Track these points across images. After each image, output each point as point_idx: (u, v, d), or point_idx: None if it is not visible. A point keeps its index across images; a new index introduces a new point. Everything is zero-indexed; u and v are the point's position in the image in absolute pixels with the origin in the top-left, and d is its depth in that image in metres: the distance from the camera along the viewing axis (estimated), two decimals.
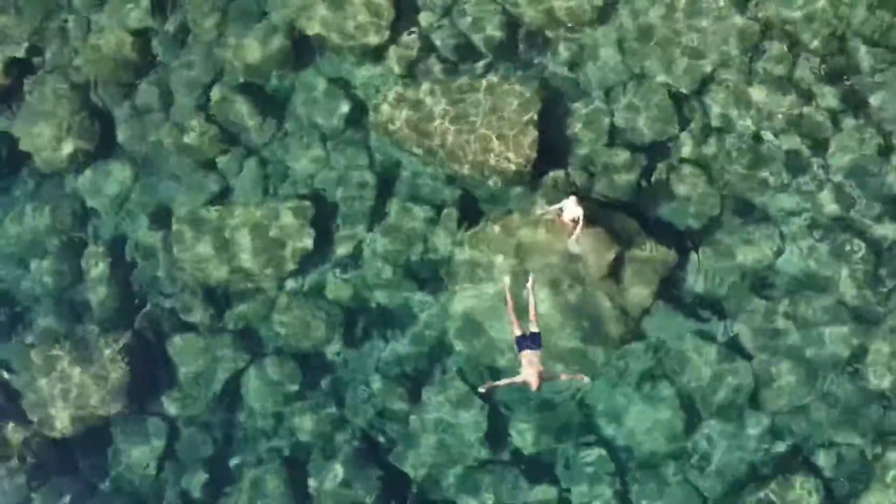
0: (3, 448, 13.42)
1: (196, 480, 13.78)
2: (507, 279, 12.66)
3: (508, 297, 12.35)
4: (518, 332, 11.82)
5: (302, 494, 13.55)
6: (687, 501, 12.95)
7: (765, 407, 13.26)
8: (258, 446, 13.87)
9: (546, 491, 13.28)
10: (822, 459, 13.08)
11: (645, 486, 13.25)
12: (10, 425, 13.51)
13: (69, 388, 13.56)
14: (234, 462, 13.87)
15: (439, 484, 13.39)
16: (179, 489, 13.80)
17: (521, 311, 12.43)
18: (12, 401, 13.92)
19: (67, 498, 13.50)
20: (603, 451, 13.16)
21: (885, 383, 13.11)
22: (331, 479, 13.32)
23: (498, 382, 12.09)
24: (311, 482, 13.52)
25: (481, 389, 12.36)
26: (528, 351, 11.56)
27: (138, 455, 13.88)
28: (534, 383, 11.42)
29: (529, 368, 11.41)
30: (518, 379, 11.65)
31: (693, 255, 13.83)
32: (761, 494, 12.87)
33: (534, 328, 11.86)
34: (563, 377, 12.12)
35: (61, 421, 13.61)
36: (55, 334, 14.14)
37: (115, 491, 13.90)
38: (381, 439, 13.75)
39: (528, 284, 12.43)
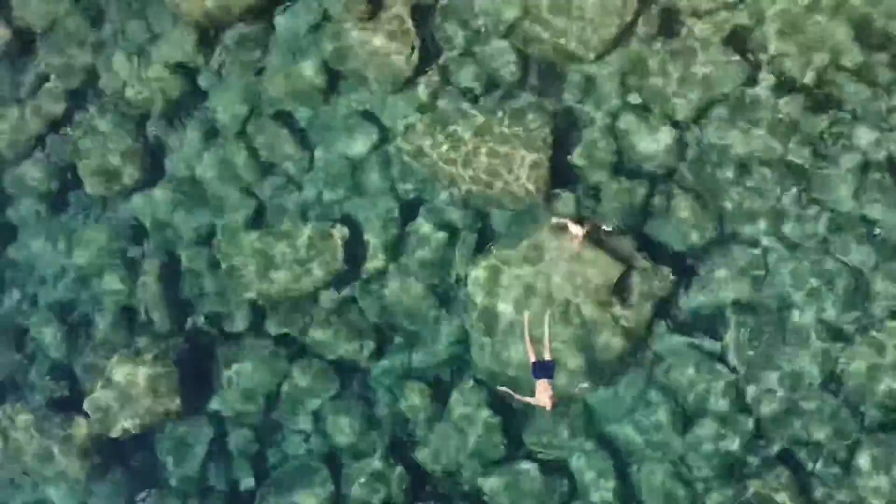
0: (69, 441, 15.00)
1: (241, 474, 15.33)
2: (526, 314, 14.10)
3: (527, 329, 13.74)
4: (534, 359, 13.26)
5: (337, 488, 15.05)
6: (672, 490, 14.39)
7: (751, 412, 14.67)
8: (297, 443, 15.42)
9: (557, 482, 14.74)
10: (803, 457, 14.50)
11: (643, 481, 14.72)
12: (77, 420, 15.10)
13: (126, 391, 15.13)
14: (275, 458, 15.40)
15: (459, 477, 14.89)
16: (226, 481, 15.35)
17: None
18: (77, 401, 15.50)
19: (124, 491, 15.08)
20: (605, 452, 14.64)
21: (857, 394, 14.51)
22: (364, 474, 14.83)
23: (515, 395, 13.55)
24: (346, 477, 15.03)
25: (500, 389, 13.79)
26: (543, 379, 12.96)
27: (186, 452, 15.45)
28: (548, 407, 12.88)
29: (544, 394, 12.88)
30: (533, 400, 13.13)
31: (689, 277, 15.22)
32: (748, 491, 14.31)
33: (547, 356, 13.26)
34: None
35: (118, 421, 15.19)
36: (114, 342, 15.68)
37: (167, 483, 15.48)
38: (407, 438, 15.25)
39: (546, 318, 13.83)
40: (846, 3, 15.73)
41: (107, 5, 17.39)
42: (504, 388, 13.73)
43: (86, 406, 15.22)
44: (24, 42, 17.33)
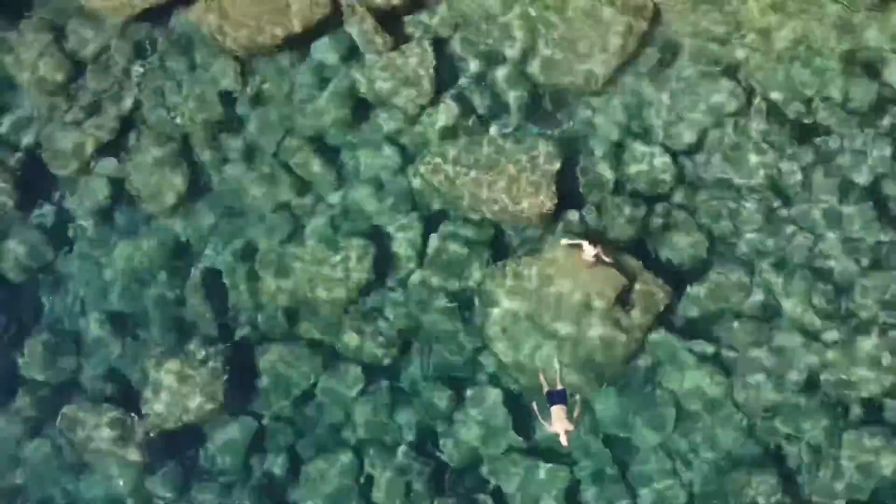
0: (126, 437, 16.70)
1: (278, 464, 16.99)
2: (538, 355, 15.82)
3: (541, 372, 15.47)
4: (547, 389, 14.88)
5: (364, 479, 16.72)
6: (670, 484, 16.05)
7: (742, 410, 16.30)
8: (329, 437, 17.07)
9: (561, 471, 16.38)
10: (788, 451, 16.14)
11: (640, 473, 16.37)
12: (134, 417, 16.80)
13: (177, 391, 16.81)
14: (309, 450, 17.05)
15: (478, 471, 16.56)
16: (264, 471, 17.03)
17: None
18: (131, 400, 17.19)
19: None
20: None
21: (838, 392, 16.15)
22: (390, 466, 16.49)
23: (537, 413, 14.98)
24: (372, 469, 16.69)
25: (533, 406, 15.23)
26: (557, 406, 14.51)
27: (231, 445, 17.12)
28: (562, 438, 14.34)
29: (558, 423, 14.39)
30: (550, 428, 14.61)
31: (687, 289, 16.83)
32: (739, 483, 15.96)
33: (559, 387, 14.86)
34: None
35: (170, 417, 16.87)
36: (164, 346, 17.34)
37: (212, 473, 17.17)
38: (429, 434, 16.90)
39: (555, 364, 15.50)
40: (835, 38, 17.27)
41: (151, 36, 18.93)
42: (534, 406, 15.24)
43: (142, 405, 16.88)
44: (78, 69, 18.86)
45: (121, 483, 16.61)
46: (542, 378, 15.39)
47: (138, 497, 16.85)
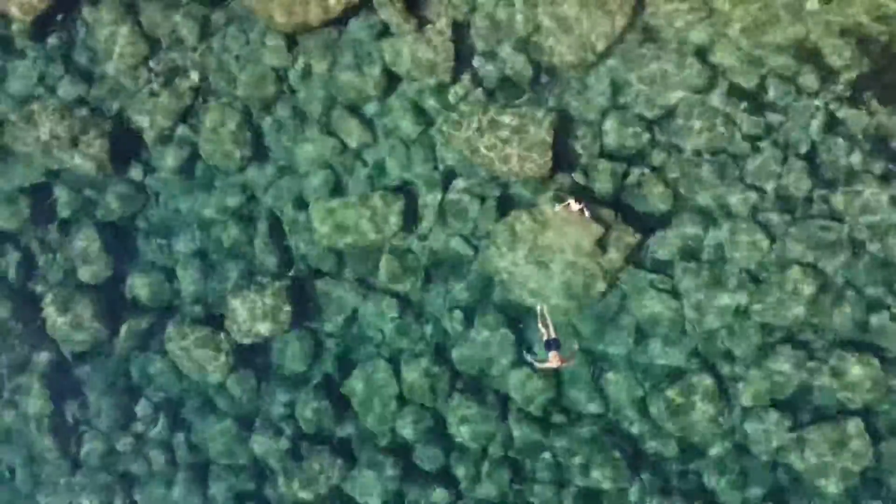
0: (215, 349, 21.63)
1: (332, 369, 21.92)
2: (541, 306, 20.10)
3: (539, 316, 19.82)
4: (545, 338, 19.41)
5: (399, 379, 21.68)
6: (634, 386, 20.97)
7: (691, 333, 20.97)
8: (370, 349, 21.87)
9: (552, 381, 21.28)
10: (722, 368, 20.90)
11: (611, 375, 21.22)
12: (220, 334, 21.70)
13: (252, 313, 21.55)
14: (356, 358, 21.93)
15: (486, 376, 21.50)
16: (322, 375, 22.02)
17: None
18: (216, 322, 22.03)
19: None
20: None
21: (769, 319, 20.69)
22: (418, 369, 21.39)
23: (535, 362, 19.59)
24: (404, 373, 21.60)
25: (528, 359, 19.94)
26: (553, 352, 19.10)
27: (294, 357, 22.04)
28: (556, 365, 19.07)
29: (554, 360, 19.02)
30: (546, 365, 19.23)
31: (654, 234, 21.10)
32: (683, 385, 20.85)
33: (553, 335, 19.38)
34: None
35: (246, 335, 21.72)
36: (239, 278, 21.95)
37: (281, 377, 22.21)
38: (447, 347, 21.74)
39: (545, 311, 19.86)
40: (787, 26, 20.66)
41: (213, 17, 22.42)
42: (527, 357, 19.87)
43: (226, 324, 21.75)
44: (153, 45, 22.51)
45: (210, 384, 21.68)
46: (540, 326, 19.99)
47: (225, 394, 21.96)
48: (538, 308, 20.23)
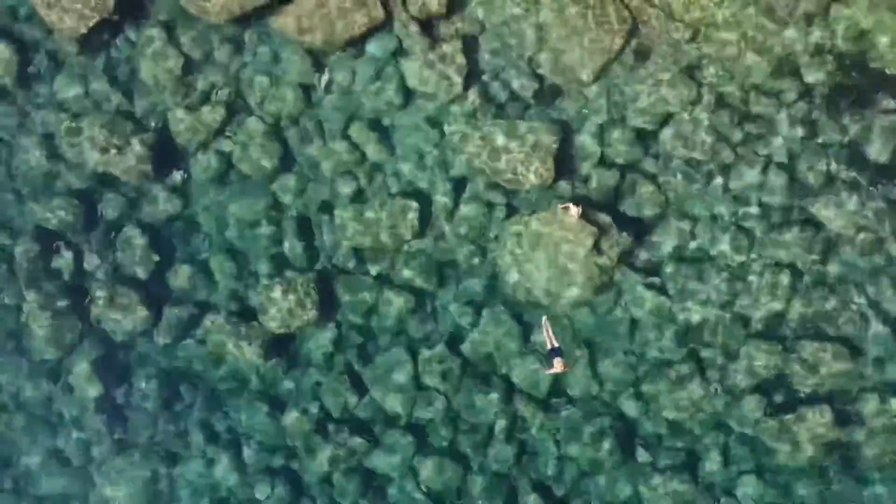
0: (249, 338, 24.01)
1: (354, 359, 24.31)
2: (545, 318, 22.35)
3: (543, 329, 22.15)
4: (550, 347, 21.69)
5: (416, 368, 24.08)
6: (627, 372, 23.31)
7: (677, 326, 23.23)
8: (388, 340, 24.22)
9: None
10: (706, 355, 23.19)
11: (607, 362, 23.48)
12: (252, 326, 24.08)
13: (280, 308, 23.90)
14: (374, 350, 24.30)
15: (493, 363, 23.86)
16: (344, 363, 24.40)
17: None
18: (248, 314, 24.42)
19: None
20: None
21: (745, 311, 22.94)
22: (433, 358, 23.73)
23: (542, 369, 22.15)
24: (421, 360, 23.97)
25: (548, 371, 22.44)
26: (556, 358, 21.49)
27: (320, 346, 24.39)
28: (561, 370, 21.48)
29: (559, 366, 21.38)
30: (552, 370, 21.65)
31: (645, 237, 23.30)
32: (671, 372, 23.16)
33: (556, 344, 21.62)
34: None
35: (276, 326, 24.08)
36: (269, 273, 24.29)
37: (307, 366, 24.59)
38: (458, 338, 24.06)
39: (547, 323, 22.16)
40: (769, 47, 22.70)
41: (245, 37, 24.61)
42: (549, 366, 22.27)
43: (259, 316, 24.15)
44: (190, 62, 24.73)
45: (243, 369, 24.14)
46: (545, 334, 22.27)
47: (258, 379, 24.42)
48: (542, 320, 22.46)
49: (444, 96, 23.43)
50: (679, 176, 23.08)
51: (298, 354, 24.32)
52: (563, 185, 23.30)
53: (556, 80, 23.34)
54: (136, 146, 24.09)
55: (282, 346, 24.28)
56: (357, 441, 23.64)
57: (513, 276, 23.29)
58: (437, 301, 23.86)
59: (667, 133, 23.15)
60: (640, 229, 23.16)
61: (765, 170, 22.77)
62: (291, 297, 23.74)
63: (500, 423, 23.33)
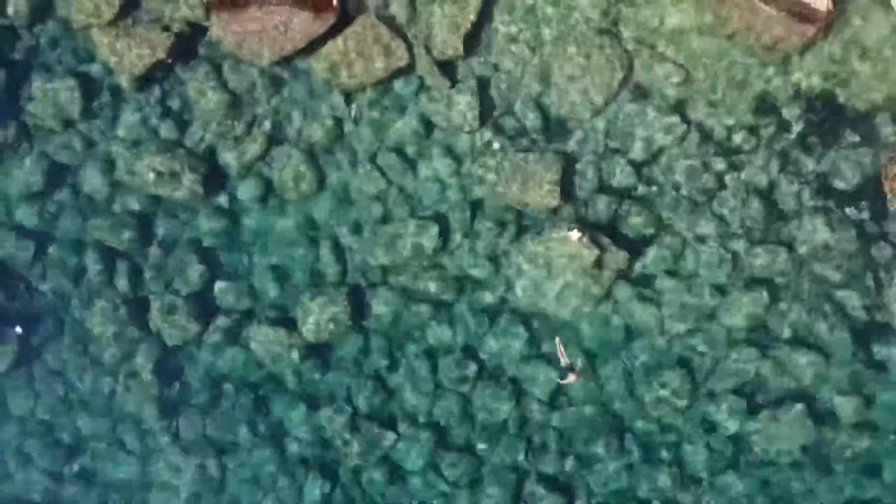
0: (290, 344, 27.11)
1: (381, 361, 27.43)
2: (558, 339, 25.43)
3: (558, 348, 25.17)
4: (563, 365, 24.77)
5: (434, 374, 27.17)
6: (624, 376, 26.32)
7: (667, 334, 26.25)
8: (414, 349, 27.24)
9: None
10: (696, 360, 26.21)
11: (606, 368, 26.57)
12: (294, 333, 27.22)
13: (318, 318, 27.00)
14: (399, 353, 27.42)
15: (505, 368, 26.93)
16: (374, 367, 27.49)
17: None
18: (293, 322, 27.52)
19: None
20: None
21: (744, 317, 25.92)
22: (453, 363, 26.81)
23: (558, 381, 25.25)
24: (442, 365, 27.09)
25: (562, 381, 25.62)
26: (571, 374, 24.61)
27: (351, 351, 27.47)
28: (574, 381, 24.60)
29: (571, 378, 24.44)
30: (566, 382, 24.72)
31: (642, 255, 26.29)
32: (663, 375, 26.18)
33: (568, 361, 24.62)
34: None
35: (315, 335, 27.19)
36: (308, 289, 27.34)
37: (340, 369, 27.72)
38: (473, 345, 27.10)
39: (560, 343, 25.24)
40: (751, 87, 25.60)
41: (283, 75, 27.66)
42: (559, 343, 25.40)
43: (297, 325, 27.26)
44: (234, 99, 27.78)
45: (286, 371, 27.28)
46: (559, 353, 25.34)
47: (296, 381, 27.59)
48: (556, 340, 25.55)
49: (461, 129, 26.41)
50: (670, 200, 25.98)
51: (332, 359, 27.33)
52: (568, 209, 26.24)
53: (562, 114, 26.26)
54: (188, 172, 27.17)
55: (317, 352, 27.29)
56: (385, 435, 26.72)
57: (523, 290, 26.28)
58: (455, 311, 26.84)
59: (660, 163, 26.04)
60: (635, 247, 26.08)
61: (746, 195, 25.67)
62: (326, 307, 26.78)
63: (511, 421, 26.33)
